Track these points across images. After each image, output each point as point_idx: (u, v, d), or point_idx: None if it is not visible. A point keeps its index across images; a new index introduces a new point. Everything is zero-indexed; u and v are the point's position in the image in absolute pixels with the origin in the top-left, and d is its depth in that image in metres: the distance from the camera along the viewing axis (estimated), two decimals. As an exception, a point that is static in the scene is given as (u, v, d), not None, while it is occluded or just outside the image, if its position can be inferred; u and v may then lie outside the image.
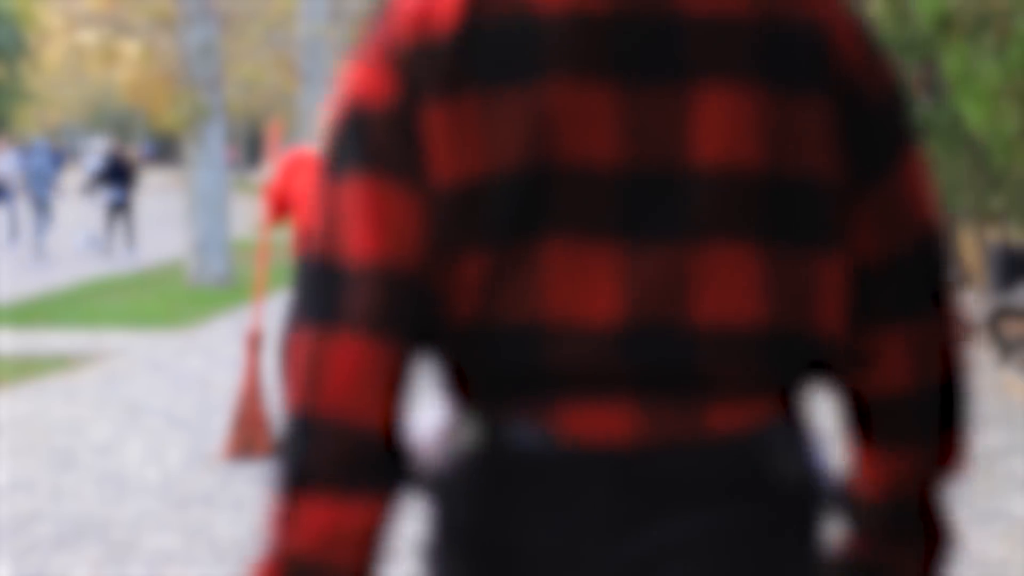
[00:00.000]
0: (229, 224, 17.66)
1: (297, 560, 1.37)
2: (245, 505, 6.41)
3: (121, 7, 23.43)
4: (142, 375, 10.04)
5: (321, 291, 1.34)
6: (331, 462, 1.34)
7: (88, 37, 25.89)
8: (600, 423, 1.33)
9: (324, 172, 1.43)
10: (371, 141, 1.35)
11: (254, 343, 7.41)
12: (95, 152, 38.24)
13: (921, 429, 1.49)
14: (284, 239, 16.76)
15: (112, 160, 23.64)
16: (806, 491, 1.42)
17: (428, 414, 1.50)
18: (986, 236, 16.27)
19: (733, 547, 1.34)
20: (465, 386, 1.38)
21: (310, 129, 20.67)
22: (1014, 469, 7.20)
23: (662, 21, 1.33)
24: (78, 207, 37.57)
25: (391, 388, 1.33)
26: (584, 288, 1.31)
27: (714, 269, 1.33)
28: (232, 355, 10.93)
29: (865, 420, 1.52)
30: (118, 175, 23.39)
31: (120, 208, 23.36)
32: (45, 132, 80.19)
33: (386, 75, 1.37)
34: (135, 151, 26.05)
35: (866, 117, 1.39)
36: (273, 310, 12.38)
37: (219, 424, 8.15)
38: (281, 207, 7.49)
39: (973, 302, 11.49)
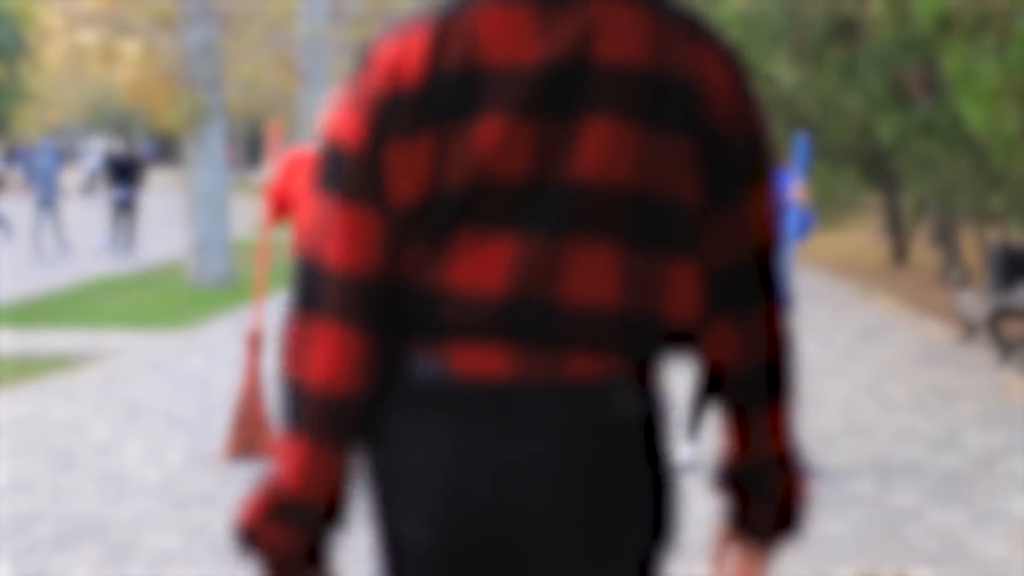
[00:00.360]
0: (229, 224, 17.65)
1: (281, 490, 1.83)
2: (245, 505, 6.41)
3: (121, 7, 23.42)
4: (142, 375, 10.04)
5: (308, 284, 1.82)
6: (309, 416, 1.81)
7: (88, 37, 25.87)
8: (483, 364, 1.78)
9: (315, 188, 1.85)
10: (345, 172, 1.80)
11: (254, 343, 7.41)
12: (93, 152, 38.24)
13: (754, 396, 1.91)
14: (284, 239, 16.75)
15: (118, 159, 23.83)
16: (642, 431, 1.82)
17: None
18: (986, 236, 16.27)
19: (572, 462, 1.77)
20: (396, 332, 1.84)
21: (310, 129, 20.67)
22: (1014, 469, 7.20)
23: (576, 69, 1.76)
24: (78, 206, 37.56)
25: (358, 365, 1.79)
26: (482, 266, 1.77)
27: (581, 260, 1.77)
28: (232, 355, 10.93)
29: (713, 388, 1.93)
30: (124, 174, 23.56)
31: (126, 207, 23.52)
32: (45, 132, 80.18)
33: (359, 119, 1.79)
34: (140, 150, 26.12)
35: (723, 157, 1.81)
36: (273, 310, 12.38)
37: (219, 424, 8.15)
38: (281, 207, 7.49)
39: (973, 302, 11.50)
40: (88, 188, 43.92)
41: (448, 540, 1.81)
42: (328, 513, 1.84)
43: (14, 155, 57.38)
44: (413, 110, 1.76)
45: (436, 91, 1.76)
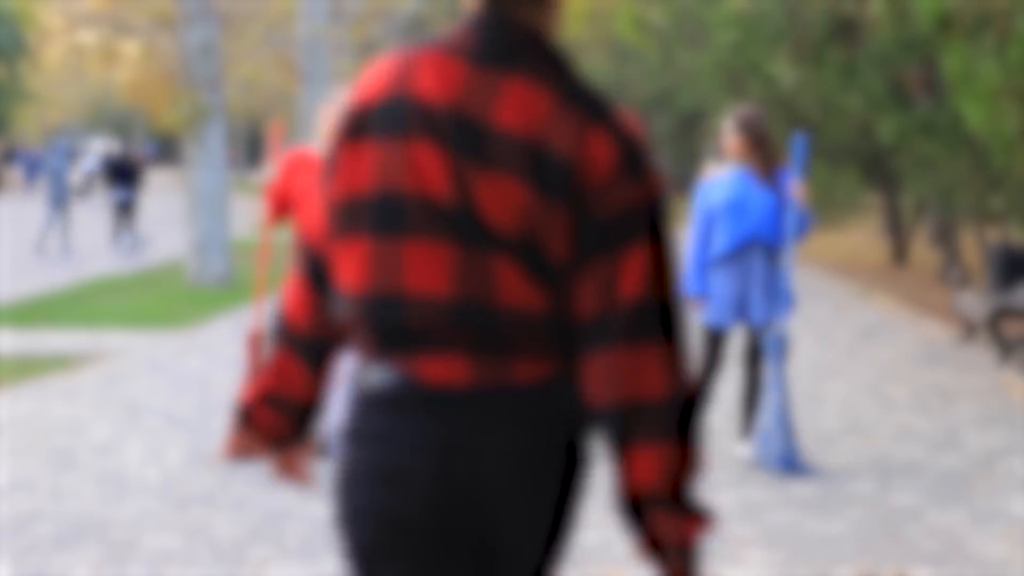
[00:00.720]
0: (229, 224, 17.65)
1: (266, 387, 2.52)
2: (245, 505, 6.41)
3: (121, 7, 23.41)
4: (142, 375, 10.04)
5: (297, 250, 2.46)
6: (280, 334, 2.49)
7: (88, 37, 25.86)
8: (439, 370, 2.22)
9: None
10: (325, 163, 2.32)
11: (254, 343, 7.41)
12: (91, 153, 38.17)
13: (628, 438, 2.21)
14: (284, 239, 16.74)
15: (117, 161, 23.92)
16: (569, 422, 2.23)
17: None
18: (986, 236, 16.26)
19: (516, 450, 2.17)
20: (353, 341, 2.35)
21: (310, 129, 20.66)
22: (1014, 469, 7.20)
23: (475, 124, 2.16)
24: (75, 207, 37.55)
25: (310, 303, 2.44)
26: (426, 273, 2.19)
27: (501, 275, 2.18)
28: (232, 355, 10.93)
29: (600, 420, 2.24)
30: (124, 175, 23.63)
31: (126, 208, 23.60)
32: (55, 133, 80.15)
33: (340, 127, 2.29)
34: (139, 151, 26.17)
35: (592, 221, 2.16)
36: (273, 310, 12.40)
37: (219, 424, 8.15)
38: (282, 207, 7.49)
39: (973, 302, 11.50)
40: (84, 189, 43.54)
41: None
42: (302, 406, 2.50)
43: (13, 155, 57.35)
44: (359, 123, 2.26)
45: (378, 112, 2.25)
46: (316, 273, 2.41)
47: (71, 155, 24.00)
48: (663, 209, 2.23)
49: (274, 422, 2.57)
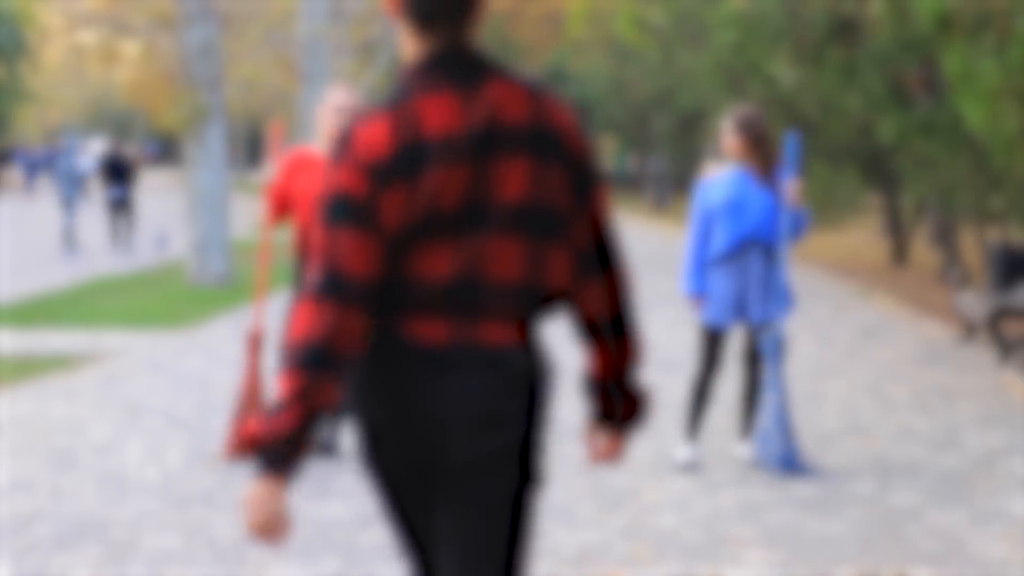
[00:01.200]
0: (229, 224, 17.65)
1: (311, 411, 2.75)
2: (245, 505, 6.40)
3: (121, 7, 23.41)
4: (142, 375, 10.04)
5: (331, 281, 2.80)
6: (320, 362, 2.76)
7: (88, 37, 25.84)
8: (429, 332, 2.81)
9: (324, 222, 2.81)
10: (353, 211, 2.78)
11: (254, 343, 7.41)
12: (86, 154, 38.11)
13: (611, 334, 2.99)
14: (285, 239, 16.73)
15: (112, 160, 23.98)
16: (537, 377, 2.90)
17: None
18: (986, 236, 16.26)
19: (490, 394, 2.81)
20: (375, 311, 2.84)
21: (310, 129, 20.65)
22: (1014, 469, 7.20)
23: (488, 130, 2.79)
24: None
25: (356, 330, 2.79)
26: (431, 261, 2.78)
27: (497, 253, 2.80)
28: (232, 355, 10.93)
29: (583, 330, 2.99)
30: (118, 174, 23.71)
31: (122, 206, 23.66)
32: (45, 132, 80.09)
33: (359, 178, 2.78)
34: (135, 151, 26.16)
35: (580, 174, 2.88)
36: (273, 310, 12.37)
37: (219, 424, 8.15)
38: (282, 207, 7.49)
39: (973, 302, 11.50)
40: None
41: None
42: (327, 416, 2.82)
43: (11, 155, 57.31)
44: (388, 172, 2.77)
45: (399, 159, 2.77)
46: (370, 300, 2.80)
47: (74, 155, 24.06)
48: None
49: (309, 437, 2.80)
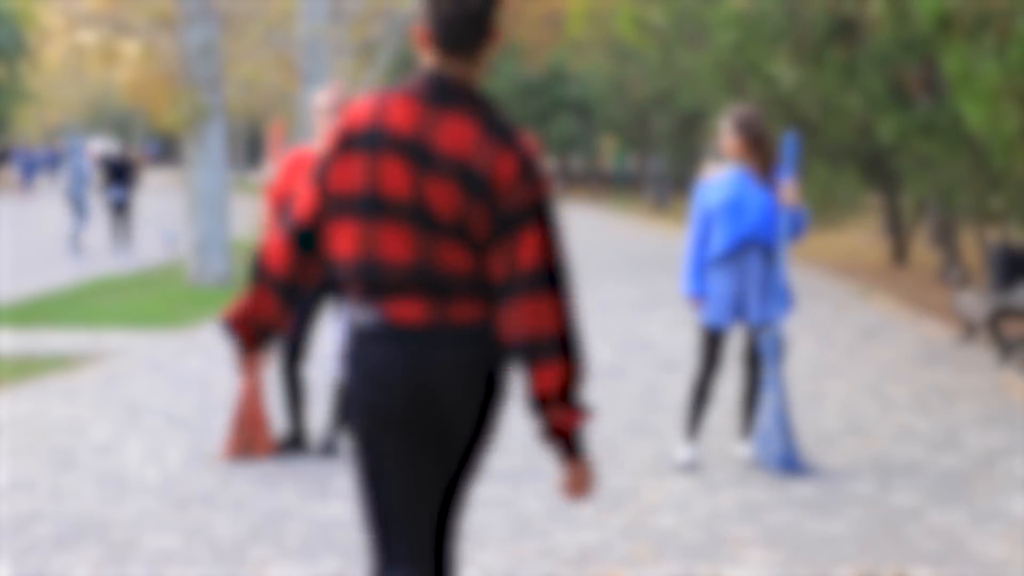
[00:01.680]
0: (229, 224, 17.64)
1: (245, 310, 3.62)
2: (245, 505, 6.41)
3: (121, 7, 23.40)
4: (142, 375, 10.04)
5: (284, 219, 3.52)
6: (258, 275, 3.59)
7: (88, 37, 25.84)
8: (404, 312, 3.36)
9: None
10: (318, 164, 3.45)
11: (254, 343, 7.40)
12: (82, 154, 38.00)
13: (531, 362, 3.31)
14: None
15: (113, 160, 24.15)
16: (492, 350, 3.35)
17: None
18: (986, 236, 16.26)
19: (454, 367, 3.31)
20: (346, 291, 3.44)
21: (310, 129, 20.65)
22: (1014, 469, 7.20)
23: (423, 145, 3.32)
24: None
25: (288, 257, 3.54)
26: (395, 248, 3.33)
27: (447, 251, 3.34)
28: (232, 355, 10.93)
29: (513, 352, 3.36)
30: (119, 174, 23.85)
31: (122, 207, 23.79)
32: (45, 132, 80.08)
33: (332, 139, 3.43)
34: (136, 151, 26.22)
35: (500, 212, 3.29)
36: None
37: (219, 424, 8.15)
38: (282, 207, 7.49)
39: (973, 302, 11.50)
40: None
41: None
42: (269, 328, 3.60)
43: (8, 155, 57.29)
44: (350, 141, 3.39)
45: (361, 136, 3.38)
46: (300, 239, 3.48)
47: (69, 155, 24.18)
48: (550, 202, 3.34)
49: (247, 336, 3.62)
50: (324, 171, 3.41)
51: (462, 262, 3.29)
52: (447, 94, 3.37)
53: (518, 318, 3.29)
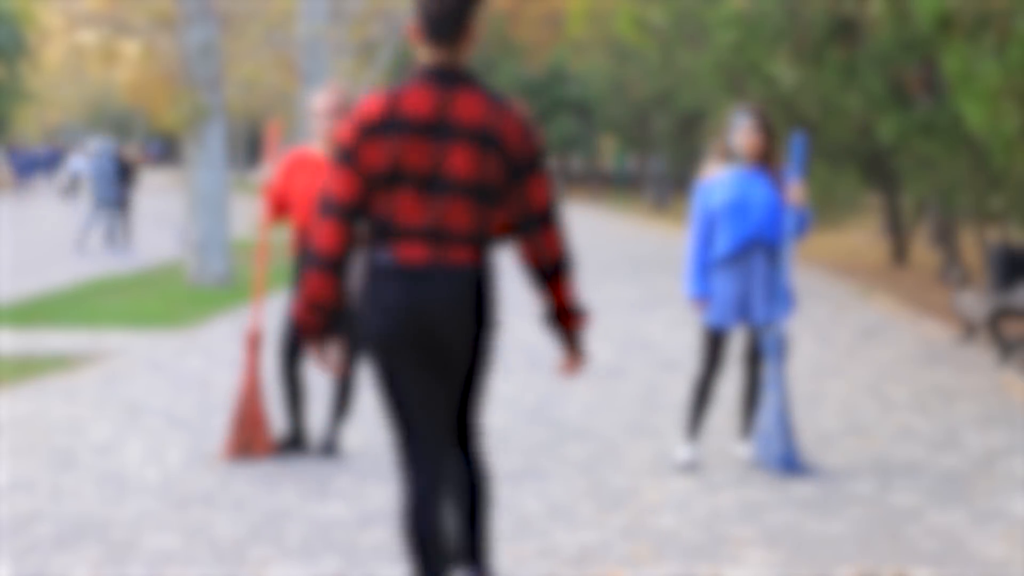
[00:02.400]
0: (229, 224, 17.64)
1: (309, 296, 4.37)
2: (245, 505, 6.41)
3: (121, 7, 23.40)
4: (142, 375, 10.04)
5: (323, 202, 4.35)
6: (319, 263, 4.37)
7: (88, 37, 25.83)
8: (411, 254, 4.24)
9: (330, 163, 4.34)
10: (343, 154, 4.29)
11: (254, 343, 7.41)
12: (77, 154, 37.90)
13: (551, 275, 4.36)
14: (284, 239, 16.71)
15: (112, 160, 24.24)
16: (487, 290, 4.32)
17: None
18: (986, 236, 16.26)
19: (455, 301, 4.26)
20: (368, 238, 4.31)
21: (310, 129, 20.65)
22: (1014, 469, 7.20)
23: (445, 120, 4.22)
24: (60, 209, 37.49)
25: (347, 239, 4.34)
26: (408, 208, 4.24)
27: (454, 208, 4.24)
28: (232, 355, 10.93)
29: (531, 273, 4.39)
30: (118, 174, 24.01)
31: (121, 206, 23.97)
32: (45, 132, 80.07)
33: (351, 132, 4.28)
34: (136, 151, 26.32)
35: (512, 162, 4.27)
36: (273, 310, 12.37)
37: (219, 424, 8.15)
38: (280, 207, 7.49)
39: (973, 302, 11.50)
40: (70, 190, 41.21)
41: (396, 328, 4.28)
42: (335, 309, 4.32)
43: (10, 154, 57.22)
44: (372, 129, 4.23)
45: (380, 123, 4.22)
46: (349, 216, 4.27)
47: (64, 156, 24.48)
48: (545, 153, 4.34)
49: (322, 325, 4.33)
50: (352, 158, 4.25)
51: (464, 218, 4.23)
52: (452, 77, 4.27)
53: (537, 248, 4.33)
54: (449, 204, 4.22)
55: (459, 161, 4.19)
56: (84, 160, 36.17)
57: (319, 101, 7.29)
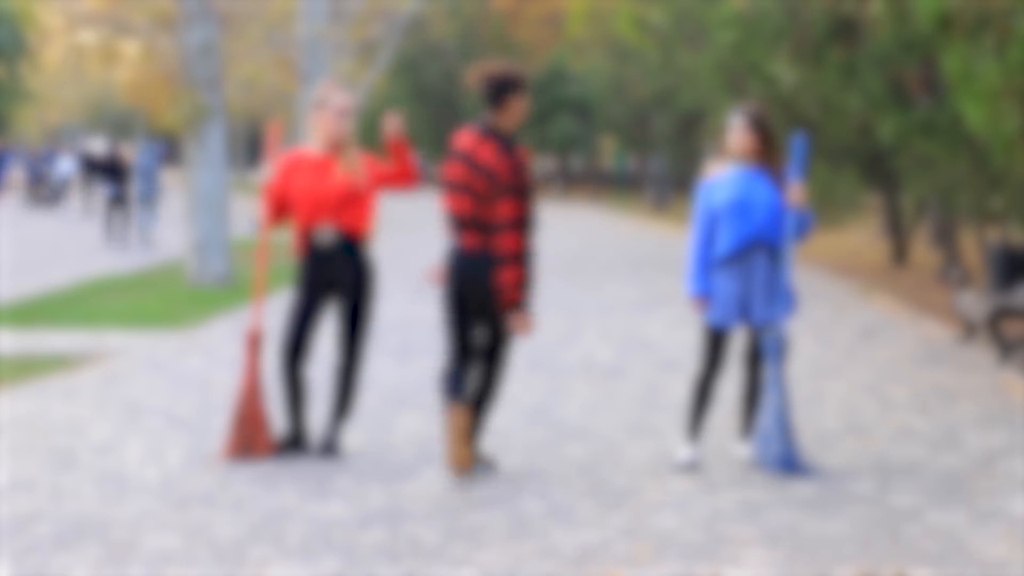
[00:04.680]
0: (229, 224, 17.64)
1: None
2: (245, 505, 6.41)
3: (121, 7, 23.40)
4: (142, 375, 10.04)
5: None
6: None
7: (88, 37, 25.85)
8: (464, 241, 6.97)
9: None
10: (449, 182, 7.24)
11: (254, 343, 7.41)
12: (66, 157, 37.75)
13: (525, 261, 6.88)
14: (284, 239, 16.73)
15: (106, 158, 25.95)
16: (487, 267, 6.88)
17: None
18: (986, 236, 16.26)
19: (464, 272, 6.97)
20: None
21: (309, 129, 20.65)
22: (1014, 469, 7.20)
23: (473, 158, 6.91)
24: (53, 210, 37.49)
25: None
26: (453, 203, 7.05)
27: (459, 200, 6.95)
28: (232, 355, 10.93)
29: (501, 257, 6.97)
30: (114, 173, 25.36)
31: (118, 202, 25.17)
32: (45, 132, 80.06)
33: (452, 160, 7.20)
34: (129, 150, 26.75)
35: (499, 187, 6.82)
36: (273, 310, 12.36)
37: (219, 424, 8.15)
38: (280, 207, 7.49)
39: (973, 302, 11.50)
40: (56, 195, 39.83)
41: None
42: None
43: (9, 154, 57.17)
44: (453, 155, 6.97)
45: (456, 151, 6.97)
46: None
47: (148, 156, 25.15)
48: (531, 184, 6.77)
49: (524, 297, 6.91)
50: (445, 171, 6.93)
51: (467, 209, 6.82)
52: (486, 132, 6.85)
53: (502, 245, 6.73)
54: (482, 205, 6.82)
55: (478, 183, 6.80)
56: (71, 163, 36.10)
57: (341, 99, 7.33)
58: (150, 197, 25.13)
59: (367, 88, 25.45)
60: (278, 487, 6.74)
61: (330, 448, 7.38)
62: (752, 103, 7.30)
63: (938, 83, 16.42)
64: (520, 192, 6.70)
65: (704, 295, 7.22)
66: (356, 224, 7.41)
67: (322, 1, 22.19)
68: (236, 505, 6.40)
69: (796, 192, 7.06)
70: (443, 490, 6.72)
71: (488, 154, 6.76)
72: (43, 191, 38.24)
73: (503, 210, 6.67)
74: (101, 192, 25.30)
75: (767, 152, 7.15)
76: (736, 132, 7.14)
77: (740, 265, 7.13)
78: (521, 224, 6.68)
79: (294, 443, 7.45)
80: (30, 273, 18.67)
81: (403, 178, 7.51)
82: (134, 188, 25.19)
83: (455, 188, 6.84)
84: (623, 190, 51.15)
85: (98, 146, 54.87)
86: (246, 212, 28.77)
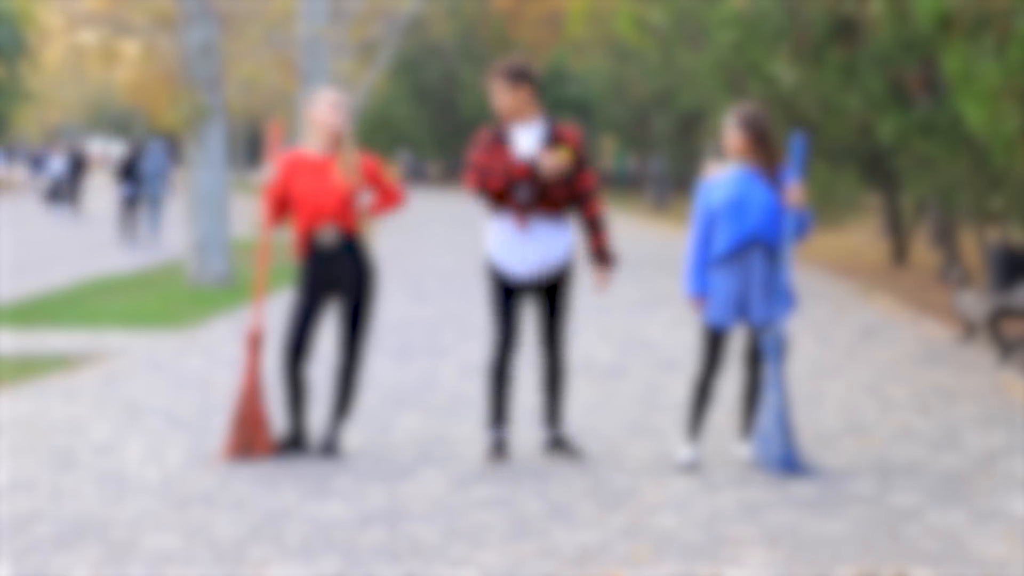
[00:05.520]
0: (229, 224, 17.64)
1: None
2: (245, 505, 6.41)
3: (121, 7, 23.42)
4: (142, 375, 10.04)
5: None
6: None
7: (88, 37, 25.88)
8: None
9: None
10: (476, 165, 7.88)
11: (254, 343, 7.41)
12: (58, 157, 37.77)
13: (597, 225, 7.62)
14: (284, 239, 16.72)
15: (125, 159, 26.25)
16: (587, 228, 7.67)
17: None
18: (986, 236, 16.26)
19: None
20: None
21: (309, 129, 20.64)
22: (1014, 469, 7.20)
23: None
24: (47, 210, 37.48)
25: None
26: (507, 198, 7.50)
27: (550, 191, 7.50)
28: (232, 355, 10.93)
29: (584, 224, 7.58)
30: (129, 173, 25.73)
31: (132, 203, 25.67)
32: (45, 132, 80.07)
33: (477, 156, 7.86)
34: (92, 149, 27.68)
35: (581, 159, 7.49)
36: (273, 310, 12.36)
37: (219, 424, 8.15)
38: (281, 207, 7.49)
39: (973, 302, 11.50)
40: (52, 194, 39.45)
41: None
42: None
43: (12, 154, 57.22)
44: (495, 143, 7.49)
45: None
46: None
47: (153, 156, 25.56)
48: (588, 155, 7.39)
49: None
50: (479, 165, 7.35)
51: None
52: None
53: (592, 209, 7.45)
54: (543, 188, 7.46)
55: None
56: (61, 162, 36.19)
57: (332, 93, 7.41)
58: (158, 198, 25.57)
59: (367, 88, 25.46)
60: (278, 487, 6.74)
61: (330, 448, 7.38)
62: (747, 104, 7.32)
63: (938, 83, 16.43)
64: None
65: (701, 294, 7.23)
66: (358, 225, 7.42)
67: (322, 1, 22.19)
68: (236, 505, 6.40)
69: (795, 192, 7.06)
70: (443, 490, 6.72)
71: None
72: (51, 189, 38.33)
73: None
74: (117, 192, 25.91)
75: (760, 151, 7.16)
76: (727, 131, 7.20)
77: (737, 264, 7.14)
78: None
79: (294, 443, 7.45)
80: (30, 273, 18.66)
81: (388, 202, 7.55)
82: (151, 190, 25.74)
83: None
84: (623, 190, 51.15)
85: (95, 146, 54.80)
86: (246, 212, 28.79)
